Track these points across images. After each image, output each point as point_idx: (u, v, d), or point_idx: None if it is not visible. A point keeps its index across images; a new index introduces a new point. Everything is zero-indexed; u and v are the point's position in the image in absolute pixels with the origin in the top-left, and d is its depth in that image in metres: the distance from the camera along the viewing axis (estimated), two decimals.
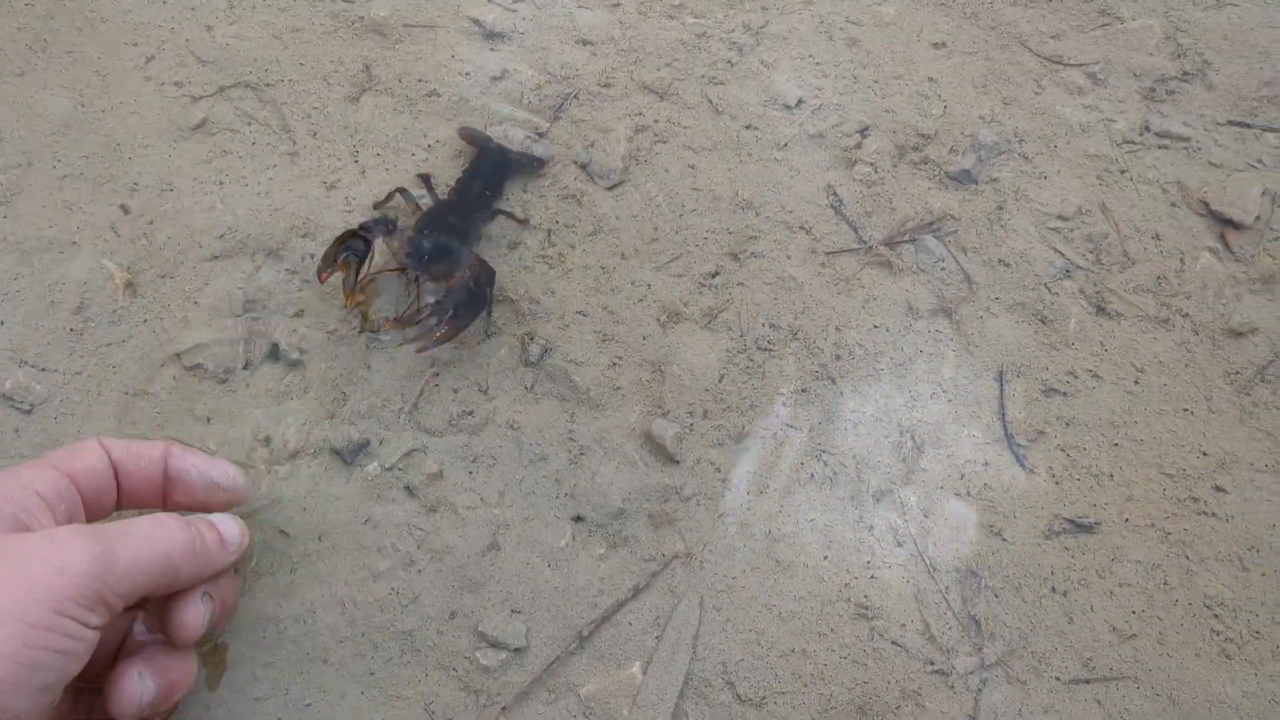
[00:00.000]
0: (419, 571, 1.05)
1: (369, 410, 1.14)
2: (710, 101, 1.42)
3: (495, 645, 1.02)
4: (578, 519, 1.10)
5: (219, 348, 1.16)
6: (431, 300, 1.18)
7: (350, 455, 1.10)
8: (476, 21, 1.47)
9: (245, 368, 1.16)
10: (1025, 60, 1.49)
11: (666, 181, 1.34)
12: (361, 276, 1.16)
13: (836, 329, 1.24)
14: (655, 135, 1.38)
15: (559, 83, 1.42)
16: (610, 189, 1.33)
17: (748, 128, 1.40)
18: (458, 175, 1.31)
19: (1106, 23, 1.54)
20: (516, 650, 1.02)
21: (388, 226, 1.19)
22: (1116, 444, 1.18)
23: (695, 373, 1.19)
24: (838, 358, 1.22)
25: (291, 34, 1.42)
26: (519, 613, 1.04)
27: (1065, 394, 1.22)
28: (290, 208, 1.26)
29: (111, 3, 1.43)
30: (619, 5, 1.51)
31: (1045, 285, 1.29)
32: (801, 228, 1.32)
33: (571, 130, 1.38)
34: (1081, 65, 1.49)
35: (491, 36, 1.46)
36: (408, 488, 1.10)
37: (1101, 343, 1.25)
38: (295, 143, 1.32)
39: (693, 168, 1.36)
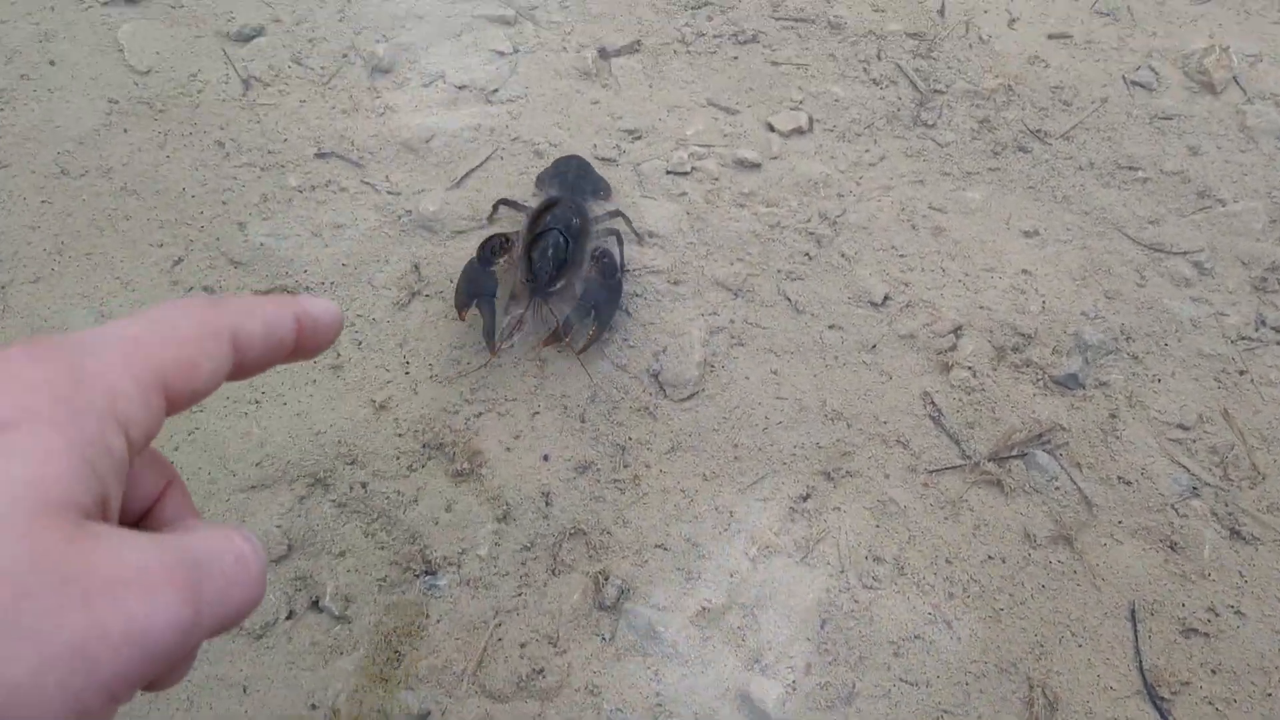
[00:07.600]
0: None
1: (428, 672, 0.99)
2: (789, 299, 1.31)
3: None
4: None
5: None
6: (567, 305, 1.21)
7: None
8: None
9: (288, 618, 1.02)
10: (1124, 248, 1.39)
11: (747, 390, 1.22)
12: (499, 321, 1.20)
13: (947, 561, 1.11)
14: (732, 337, 1.27)
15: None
16: (685, 400, 1.21)
17: (831, 327, 1.29)
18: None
19: (1207, 205, 1.45)
20: None
21: (504, 243, 1.21)
22: (1269, 694, 1.04)
23: (793, 617, 1.05)
24: (951, 595, 1.08)
25: (332, 230, 1.32)
26: None
27: (1207, 635, 1.08)
28: (335, 430, 1.14)
29: (135, 199, 1.33)
30: (685, 195, 1.41)
31: (1171, 506, 1.16)
32: (899, 441, 1.19)
33: (640, 335, 1.26)
34: (1185, 253, 1.38)
35: None
36: None
37: (1240, 572, 1.12)
38: (339, 354, 1.20)
39: (775, 373, 1.24)
